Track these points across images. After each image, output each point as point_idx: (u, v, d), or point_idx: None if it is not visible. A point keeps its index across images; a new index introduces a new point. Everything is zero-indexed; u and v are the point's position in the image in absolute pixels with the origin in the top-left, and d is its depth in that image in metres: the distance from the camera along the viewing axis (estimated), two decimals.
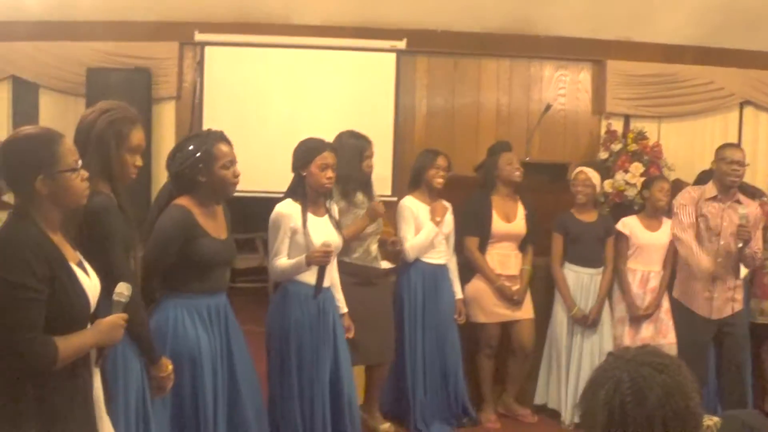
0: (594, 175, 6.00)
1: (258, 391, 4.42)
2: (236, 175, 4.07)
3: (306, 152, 4.71)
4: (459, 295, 5.87)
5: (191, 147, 4.05)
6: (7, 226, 2.83)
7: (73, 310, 2.85)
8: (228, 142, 4.10)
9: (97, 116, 3.39)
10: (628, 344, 5.61)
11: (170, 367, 3.64)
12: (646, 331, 5.90)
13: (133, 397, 3.46)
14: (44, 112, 7.86)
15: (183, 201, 4.03)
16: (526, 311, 5.93)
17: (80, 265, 2.95)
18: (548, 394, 6.07)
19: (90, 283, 2.95)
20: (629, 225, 6.02)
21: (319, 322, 4.70)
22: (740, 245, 5.38)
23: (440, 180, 5.71)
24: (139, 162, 3.50)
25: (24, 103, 7.98)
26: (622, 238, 6.00)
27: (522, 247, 5.95)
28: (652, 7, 7.61)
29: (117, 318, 3.01)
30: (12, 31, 7.68)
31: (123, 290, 3.05)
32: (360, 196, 5.38)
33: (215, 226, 4.10)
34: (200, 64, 7.75)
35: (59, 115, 7.70)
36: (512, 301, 5.81)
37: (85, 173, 2.92)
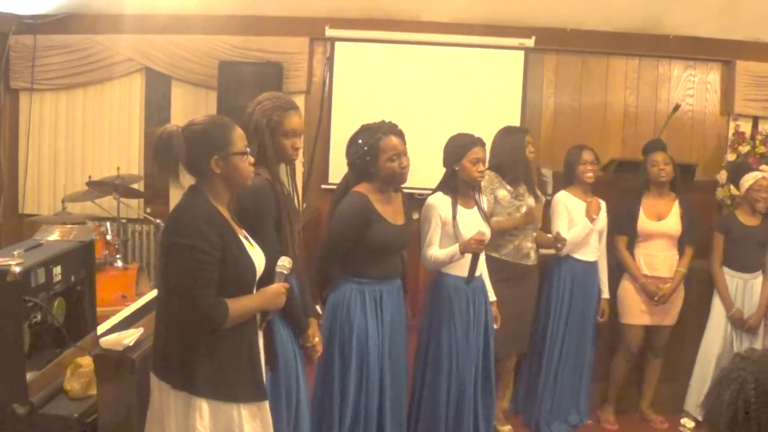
0: None
1: (404, 382, 4.63)
2: (403, 167, 4.28)
3: (458, 147, 4.85)
4: (606, 294, 5.88)
5: (360, 140, 4.32)
6: (184, 200, 3.16)
7: (241, 276, 3.17)
8: (398, 134, 4.32)
9: (254, 108, 3.70)
10: None
11: (317, 339, 3.89)
12: None
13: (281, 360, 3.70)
14: (176, 103, 8.03)
15: (361, 188, 4.30)
16: (672, 317, 5.89)
17: (246, 238, 3.25)
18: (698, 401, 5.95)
19: (256, 253, 3.27)
20: None
21: (470, 311, 4.83)
22: None
23: (590, 174, 5.75)
24: (298, 144, 3.77)
25: (156, 94, 8.20)
26: None
27: (680, 248, 5.90)
28: None
29: (280, 286, 3.33)
30: (146, 24, 7.85)
31: (285, 263, 3.37)
32: (522, 188, 5.50)
33: (392, 211, 4.35)
34: (330, 60, 7.82)
35: (191, 107, 7.89)
36: (658, 302, 5.78)
37: (251, 158, 3.22)
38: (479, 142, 4.86)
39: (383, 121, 4.37)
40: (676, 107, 7.38)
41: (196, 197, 3.14)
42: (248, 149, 3.21)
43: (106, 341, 3.38)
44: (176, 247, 3.03)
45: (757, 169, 6.03)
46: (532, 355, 5.88)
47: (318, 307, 4.26)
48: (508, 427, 5.74)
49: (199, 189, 3.16)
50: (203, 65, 7.86)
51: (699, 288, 5.94)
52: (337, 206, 4.32)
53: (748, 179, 5.84)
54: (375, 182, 4.31)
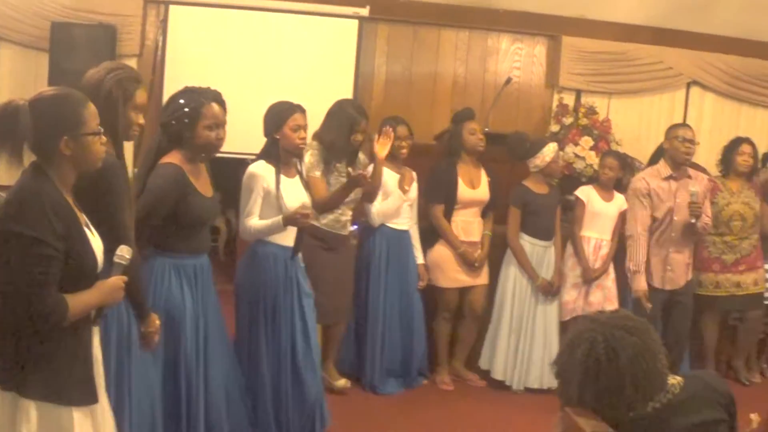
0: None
1: (231, 354, 4.56)
2: (219, 137, 4.12)
3: (278, 115, 4.77)
4: (420, 260, 6.07)
5: (182, 101, 4.13)
6: (26, 183, 2.85)
7: (83, 269, 2.91)
8: (222, 104, 4.16)
9: (104, 75, 3.47)
10: (581, 310, 5.97)
11: (158, 322, 3.73)
12: (594, 297, 6.18)
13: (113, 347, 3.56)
14: (5, 65, 7.74)
15: (173, 158, 4.09)
16: (483, 277, 6.16)
17: (87, 225, 2.99)
18: (493, 360, 6.23)
19: (97, 243, 3.01)
20: (587, 193, 6.28)
21: (287, 282, 4.78)
22: (693, 221, 5.68)
23: (404, 150, 5.90)
24: (141, 120, 3.57)
25: None
26: (579, 206, 6.24)
27: (483, 213, 6.16)
28: None
29: (118, 280, 3.07)
30: None
31: (124, 253, 3.11)
32: (343, 165, 5.52)
33: (203, 183, 4.18)
34: (164, 23, 7.74)
35: (21, 69, 7.62)
36: (473, 266, 6.03)
37: (104, 138, 2.98)
38: (299, 109, 4.81)
39: (209, 88, 4.21)
40: (508, 80, 7.55)
41: (42, 181, 2.83)
42: (101, 128, 2.95)
43: None
44: (14, 237, 2.74)
45: (551, 142, 6.32)
46: (358, 320, 6.04)
47: None
48: (343, 381, 5.86)
49: (44, 171, 2.85)
50: (33, 26, 7.59)
51: (495, 252, 6.21)
52: (149, 175, 4.09)
53: (549, 152, 6.10)
54: (186, 150, 4.11)
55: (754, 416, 3.47)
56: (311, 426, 4.90)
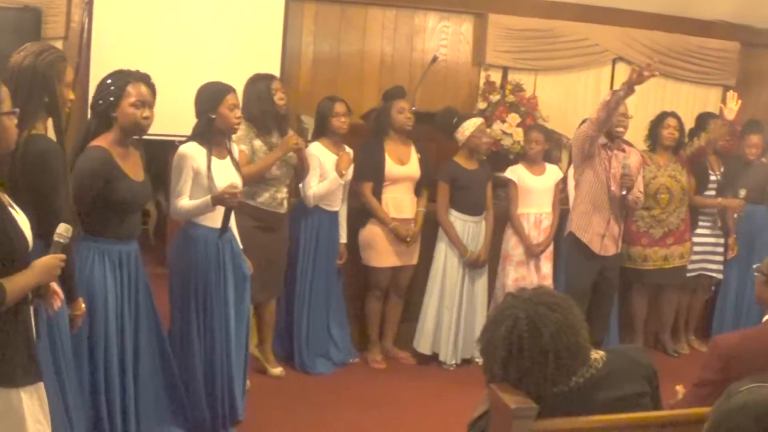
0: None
1: (163, 339, 4.56)
2: (145, 116, 4.12)
3: (213, 94, 4.79)
4: (343, 239, 6.09)
5: (109, 80, 4.15)
6: None
7: (14, 251, 2.90)
8: (149, 85, 4.17)
9: (35, 59, 3.53)
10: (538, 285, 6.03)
11: (83, 306, 3.77)
12: (546, 269, 6.29)
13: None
14: None
15: (101, 141, 4.09)
16: (414, 257, 6.20)
17: (10, 205, 2.97)
18: (427, 337, 6.32)
19: (24, 222, 3.00)
20: (516, 172, 6.35)
21: (218, 264, 4.79)
22: (624, 192, 5.75)
23: (344, 127, 5.92)
24: (72, 95, 3.68)
25: None
26: (511, 186, 6.31)
27: (417, 190, 6.18)
28: None
29: (55, 258, 3.07)
30: None
31: (63, 231, 3.11)
32: (275, 138, 5.58)
33: (132, 167, 4.18)
34: (89, 5, 7.58)
35: None
36: (405, 242, 6.04)
37: (15, 119, 2.97)
38: (232, 89, 4.85)
39: (138, 70, 4.22)
40: (434, 59, 7.55)
41: None
42: (17, 110, 2.97)
43: None
44: None
45: (477, 117, 6.38)
46: (287, 298, 6.03)
47: None
48: (279, 369, 5.90)
49: None
50: None
51: (426, 228, 6.25)
52: (77, 158, 4.08)
53: (469, 126, 6.14)
54: (115, 132, 4.11)
55: (679, 387, 3.54)
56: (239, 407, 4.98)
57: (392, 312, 6.36)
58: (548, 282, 6.28)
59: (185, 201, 4.69)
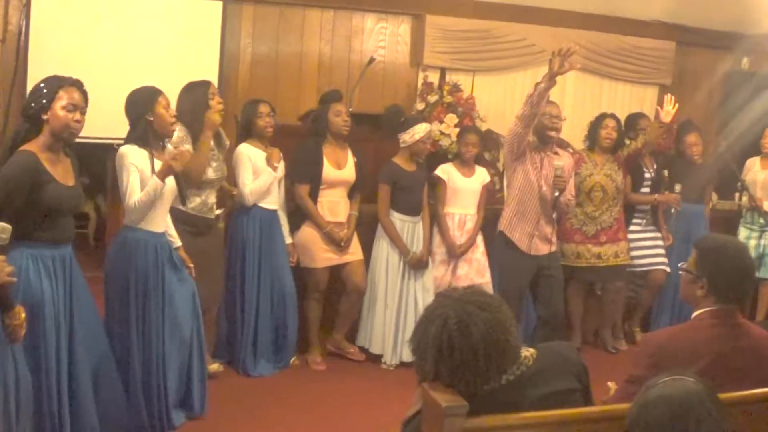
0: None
1: (104, 342, 4.52)
2: (76, 120, 4.08)
3: (147, 97, 4.77)
4: (289, 240, 6.10)
5: (42, 84, 4.12)
6: None
7: None
8: (81, 91, 4.15)
9: None
10: (448, 284, 6.08)
11: (23, 315, 3.67)
12: (462, 270, 6.34)
13: None
14: None
15: (30, 146, 4.05)
16: (355, 253, 6.22)
17: None
18: (369, 336, 6.37)
19: None
20: (447, 171, 6.40)
21: (157, 269, 4.78)
22: (556, 194, 5.83)
23: (269, 129, 5.93)
24: None
25: None
26: (441, 184, 6.37)
27: (351, 194, 6.22)
28: None
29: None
30: None
31: (0, 231, 3.12)
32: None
33: (62, 172, 4.15)
34: (26, 7, 7.50)
35: None
36: (339, 245, 6.08)
37: None
38: (161, 90, 4.83)
39: (71, 77, 4.19)
40: (371, 60, 7.57)
41: None
42: None
43: None
44: None
45: (424, 122, 6.42)
46: (227, 303, 6.03)
47: None
48: (216, 365, 5.86)
49: None
50: None
51: (365, 229, 6.31)
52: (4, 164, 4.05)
53: (419, 131, 6.19)
54: (45, 136, 4.08)
55: (611, 384, 3.59)
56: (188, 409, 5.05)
57: (347, 307, 6.35)
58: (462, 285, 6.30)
59: (137, 196, 4.63)
